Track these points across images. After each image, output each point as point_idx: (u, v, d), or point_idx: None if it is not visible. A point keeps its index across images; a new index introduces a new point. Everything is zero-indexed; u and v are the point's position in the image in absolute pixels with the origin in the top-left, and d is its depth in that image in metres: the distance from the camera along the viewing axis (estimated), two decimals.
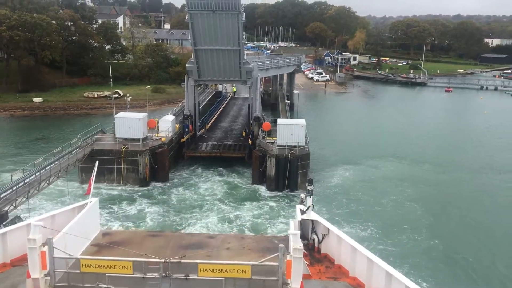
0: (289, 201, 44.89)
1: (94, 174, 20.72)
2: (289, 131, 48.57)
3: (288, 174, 46.99)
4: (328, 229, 18.96)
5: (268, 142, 49.72)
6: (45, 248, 14.64)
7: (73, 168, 44.80)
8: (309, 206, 19.46)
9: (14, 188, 34.84)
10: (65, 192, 43.47)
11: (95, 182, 45.72)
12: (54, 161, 41.55)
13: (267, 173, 47.81)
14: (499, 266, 34.74)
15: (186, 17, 51.80)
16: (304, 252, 15.04)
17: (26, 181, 36.32)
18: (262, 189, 47.74)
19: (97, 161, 22.98)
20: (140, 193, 46.14)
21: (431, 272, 32.70)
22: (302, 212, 19.62)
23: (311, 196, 19.36)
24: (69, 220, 18.14)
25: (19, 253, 17.57)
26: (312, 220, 19.45)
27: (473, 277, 33.06)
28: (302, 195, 20.40)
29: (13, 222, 31.18)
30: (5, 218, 31.34)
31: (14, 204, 33.57)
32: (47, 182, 38.92)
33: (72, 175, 46.17)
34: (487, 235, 39.79)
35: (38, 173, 37.99)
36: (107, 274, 14.40)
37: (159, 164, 49.06)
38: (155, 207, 43.08)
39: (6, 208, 32.28)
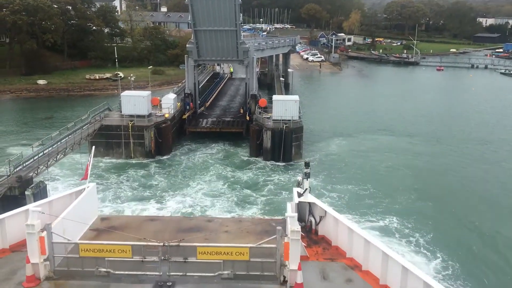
0: (283, 168, 49.45)
1: (91, 159, 20.71)
2: (284, 106, 52.26)
3: (283, 145, 50.84)
4: (325, 211, 19.09)
5: (264, 117, 53.49)
6: (44, 234, 14.74)
7: (85, 142, 48.43)
8: (306, 189, 19.67)
9: (35, 158, 38.62)
10: (78, 163, 47.31)
11: (104, 156, 50.58)
12: (68, 135, 45.10)
13: (263, 145, 51.65)
14: (482, 221, 38.54)
15: (186, 0, 54.97)
16: (301, 234, 15.26)
17: (45, 151, 40.06)
18: (259, 159, 51.75)
19: (93, 147, 23.86)
20: (147, 162, 50.51)
21: (424, 226, 36.66)
22: (299, 195, 19.81)
23: (308, 179, 19.59)
24: (67, 206, 18.10)
25: (18, 238, 17.55)
26: (309, 203, 19.61)
27: (459, 230, 37.12)
28: (299, 178, 20.63)
29: (37, 186, 35.16)
30: (30, 183, 35.10)
31: (36, 172, 37.32)
32: (63, 153, 42.59)
33: (83, 148, 49.91)
34: (471, 195, 44.12)
35: (56, 145, 41.68)
36: (106, 259, 14.64)
37: (163, 138, 52.77)
38: (162, 172, 47.89)
39: (30, 174, 36.07)
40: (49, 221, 15.35)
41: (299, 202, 19.52)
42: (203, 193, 42.24)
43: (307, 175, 19.60)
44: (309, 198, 19.59)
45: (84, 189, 19.68)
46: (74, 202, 18.44)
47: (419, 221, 37.41)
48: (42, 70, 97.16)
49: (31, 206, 16.85)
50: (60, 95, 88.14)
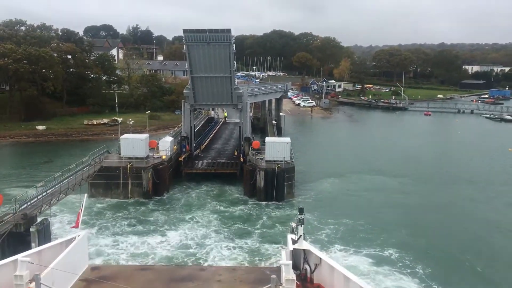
0: (275, 206, 51.73)
1: (82, 207, 20.64)
2: (276, 147, 54.90)
3: (276, 185, 52.97)
4: (320, 258, 18.57)
5: (258, 158, 55.88)
6: (33, 285, 14.29)
7: (85, 182, 50.32)
8: (301, 236, 19.17)
9: (39, 197, 40.42)
10: (78, 201, 49.03)
11: (103, 196, 52.30)
12: (69, 176, 47.08)
13: (257, 185, 53.74)
14: (474, 255, 40.52)
15: (184, 49, 58.56)
16: (296, 283, 15.05)
17: (48, 191, 41.92)
18: (253, 198, 53.86)
19: (86, 194, 24.63)
20: (145, 202, 52.54)
21: (420, 260, 38.47)
22: (294, 242, 19.33)
23: (302, 225, 19.12)
24: (57, 255, 17.68)
25: None
26: (304, 250, 19.13)
27: (447, 259, 39.44)
28: (293, 224, 20.00)
29: (41, 223, 36.74)
30: (34, 220, 36.71)
31: (39, 210, 39.01)
32: (65, 194, 44.35)
33: (83, 189, 51.68)
34: (462, 231, 46.29)
35: (58, 185, 43.58)
36: None
37: (160, 179, 54.75)
38: (159, 210, 50.14)
39: (34, 212, 37.75)
40: (38, 272, 15.01)
41: (294, 249, 19.11)
42: (199, 228, 44.49)
43: (301, 221, 19.14)
44: (303, 245, 19.18)
45: (75, 237, 19.41)
46: (64, 252, 18.13)
47: (415, 254, 39.38)
48: (41, 116, 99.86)
49: (19, 256, 16.31)
50: (59, 140, 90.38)
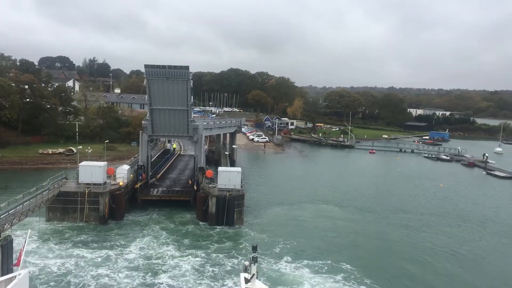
0: (226, 229, 56.35)
1: (25, 244, 20.21)
2: (228, 176, 59.35)
3: (227, 211, 57.10)
4: None
5: (210, 186, 60.02)
6: None
7: (44, 205, 52.63)
8: (254, 274, 18.65)
9: (2, 216, 42.70)
10: (35, 223, 51.45)
11: (60, 220, 54.81)
12: (30, 198, 49.42)
13: (209, 210, 57.74)
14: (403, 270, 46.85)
15: (144, 82, 62.81)
16: None
17: (10, 212, 44.25)
18: (205, 223, 57.84)
19: (29, 230, 24.51)
20: (101, 225, 55.43)
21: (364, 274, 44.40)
22: (247, 281, 18.88)
23: (255, 264, 18.49)
24: None
25: None
26: None
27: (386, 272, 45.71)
28: (246, 262, 19.36)
29: (5, 239, 39.14)
30: None
31: (2, 228, 41.26)
32: (25, 215, 46.75)
33: (41, 212, 54.06)
34: (394, 251, 52.83)
35: (19, 206, 45.95)
36: None
37: (116, 204, 57.75)
38: (115, 232, 53.51)
39: None
40: None
41: None
42: (154, 243, 49.09)
43: (254, 260, 18.58)
44: (256, 284, 18.68)
45: (15, 276, 18.24)
46: None
47: (359, 268, 45.68)
48: None
49: None
50: (13, 167, 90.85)
